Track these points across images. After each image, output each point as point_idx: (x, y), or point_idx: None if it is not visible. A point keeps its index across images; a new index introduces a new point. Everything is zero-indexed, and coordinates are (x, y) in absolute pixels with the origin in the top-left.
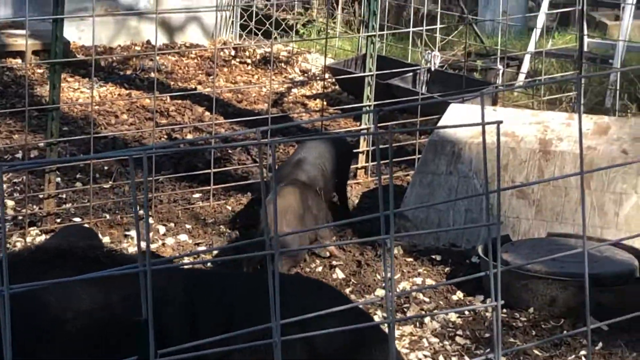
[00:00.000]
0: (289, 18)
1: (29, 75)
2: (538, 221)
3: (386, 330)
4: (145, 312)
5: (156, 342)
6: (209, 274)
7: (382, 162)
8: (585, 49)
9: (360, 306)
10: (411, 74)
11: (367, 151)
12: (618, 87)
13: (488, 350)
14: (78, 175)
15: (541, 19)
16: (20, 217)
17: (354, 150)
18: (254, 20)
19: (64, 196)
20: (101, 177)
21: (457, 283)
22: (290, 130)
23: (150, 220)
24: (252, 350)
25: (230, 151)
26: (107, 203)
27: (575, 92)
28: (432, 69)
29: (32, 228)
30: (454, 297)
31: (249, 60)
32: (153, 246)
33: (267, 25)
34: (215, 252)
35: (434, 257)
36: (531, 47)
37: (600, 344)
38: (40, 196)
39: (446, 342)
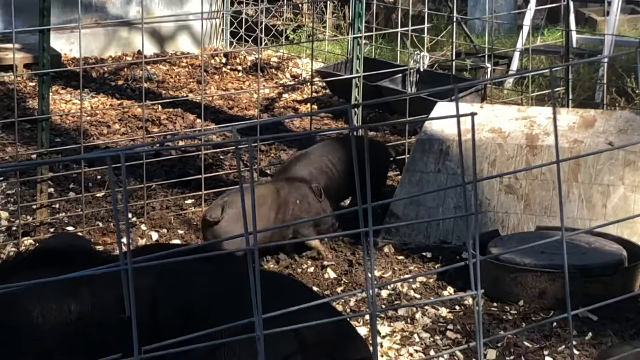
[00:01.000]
0: (278, 24)
1: (21, 89)
2: (527, 215)
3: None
4: (128, 310)
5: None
6: (177, 271)
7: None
8: (574, 44)
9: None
10: (400, 75)
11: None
12: (606, 81)
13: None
14: (71, 185)
15: (529, 17)
16: (14, 228)
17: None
18: (243, 27)
19: (57, 206)
20: (94, 186)
21: (449, 279)
22: (280, 133)
23: (143, 227)
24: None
25: (222, 157)
26: (100, 211)
27: (563, 87)
28: (421, 69)
29: (25, 238)
30: (445, 293)
31: (240, 67)
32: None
33: (257, 31)
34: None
35: (424, 254)
36: (519, 45)
37: (590, 334)
38: (34, 206)
39: (437, 337)
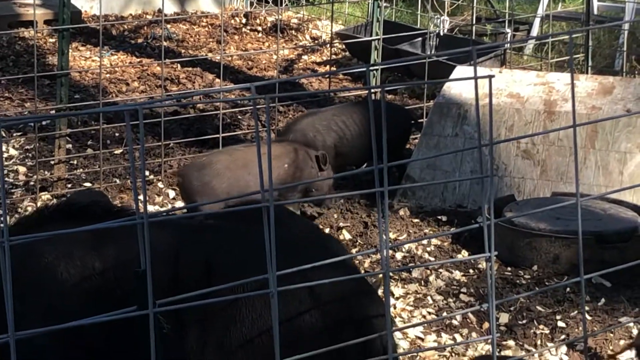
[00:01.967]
0: None
1: (41, 45)
2: (543, 181)
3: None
4: (143, 263)
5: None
6: (198, 228)
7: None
8: (595, 11)
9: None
10: (420, 39)
11: None
12: (626, 49)
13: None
14: (89, 142)
15: None
16: (31, 183)
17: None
18: None
19: (75, 162)
20: (112, 143)
21: (464, 243)
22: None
23: (160, 185)
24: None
25: (239, 117)
26: (117, 168)
27: (583, 54)
28: (441, 33)
29: (43, 193)
30: (459, 256)
31: (259, 28)
32: (163, 210)
33: None
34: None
35: (440, 217)
36: (540, 11)
37: (603, 300)
38: (52, 162)
39: (450, 299)
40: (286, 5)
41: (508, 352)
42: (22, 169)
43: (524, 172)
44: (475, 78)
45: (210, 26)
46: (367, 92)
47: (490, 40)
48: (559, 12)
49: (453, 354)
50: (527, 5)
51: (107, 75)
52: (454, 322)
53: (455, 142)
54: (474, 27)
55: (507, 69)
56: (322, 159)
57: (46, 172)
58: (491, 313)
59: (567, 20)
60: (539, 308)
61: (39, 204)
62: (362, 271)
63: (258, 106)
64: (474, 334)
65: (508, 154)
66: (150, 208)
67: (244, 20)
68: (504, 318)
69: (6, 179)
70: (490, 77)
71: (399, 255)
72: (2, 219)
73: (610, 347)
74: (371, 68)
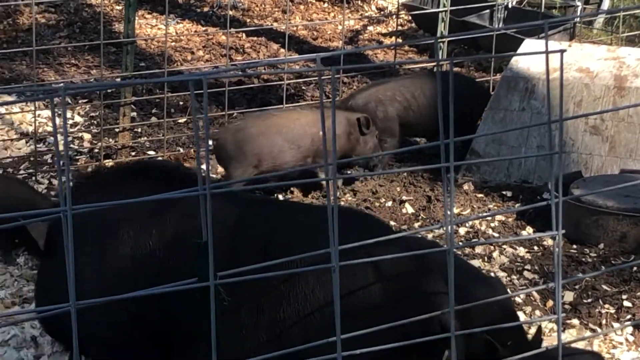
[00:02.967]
0: None
1: (107, 12)
2: (611, 158)
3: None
4: (205, 235)
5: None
6: (260, 202)
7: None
8: None
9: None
10: (488, 11)
11: None
12: None
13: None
14: (154, 110)
15: None
16: (96, 150)
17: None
18: None
19: (139, 130)
20: (176, 111)
21: (528, 219)
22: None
23: None
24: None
25: (303, 87)
26: (181, 137)
27: None
28: (510, 6)
29: (107, 160)
30: (524, 233)
31: None
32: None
33: None
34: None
35: (504, 193)
36: None
37: None
38: (116, 130)
39: (514, 277)
40: None
41: (572, 332)
42: (86, 136)
43: (591, 149)
44: (547, 52)
45: None
46: (434, 64)
47: (559, 14)
48: None
49: None
50: None
51: (173, 43)
52: (517, 299)
53: (522, 117)
54: (543, 0)
55: (577, 42)
56: (363, 122)
57: (110, 140)
58: (557, 292)
59: None
60: (604, 287)
61: None
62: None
63: (323, 77)
64: (537, 312)
65: (576, 129)
66: (214, 178)
67: None
68: (569, 296)
69: (71, 145)
70: (562, 51)
71: (462, 231)
72: (65, 185)
73: None
74: (439, 40)
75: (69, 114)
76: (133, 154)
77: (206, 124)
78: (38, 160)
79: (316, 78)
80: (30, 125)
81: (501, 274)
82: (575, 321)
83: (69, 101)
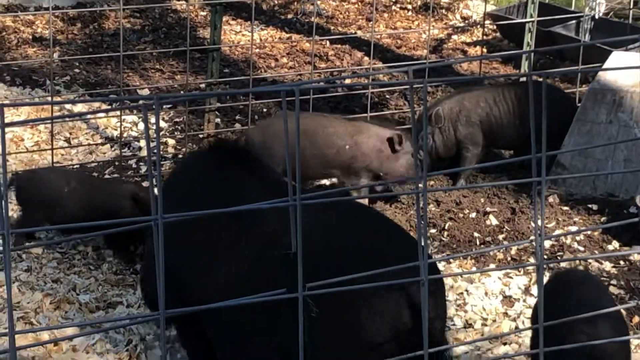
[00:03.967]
0: None
1: (192, 18)
2: None
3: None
4: (294, 246)
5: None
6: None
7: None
8: None
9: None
10: (574, 21)
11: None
12: None
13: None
14: (237, 117)
15: None
16: (180, 155)
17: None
18: None
19: (223, 136)
20: (260, 118)
21: (614, 233)
22: (449, 76)
23: None
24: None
25: (387, 96)
26: None
27: None
28: (597, 17)
29: None
30: (609, 247)
31: (409, 6)
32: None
33: None
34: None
35: (590, 206)
36: None
37: None
38: (200, 135)
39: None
40: None
41: None
42: (171, 142)
43: None
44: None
45: (359, 3)
46: (523, 76)
47: None
48: None
49: None
50: None
51: (257, 50)
52: None
53: (609, 130)
54: (631, 11)
55: None
56: (396, 140)
57: (194, 146)
58: None
59: None
60: None
61: None
62: (509, 260)
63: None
64: None
65: None
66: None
67: None
68: None
69: (155, 151)
70: None
71: (547, 244)
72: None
73: None
74: (528, 52)
75: (152, 120)
76: None
77: (297, 134)
78: (123, 165)
79: (401, 88)
80: (116, 129)
81: None
82: None
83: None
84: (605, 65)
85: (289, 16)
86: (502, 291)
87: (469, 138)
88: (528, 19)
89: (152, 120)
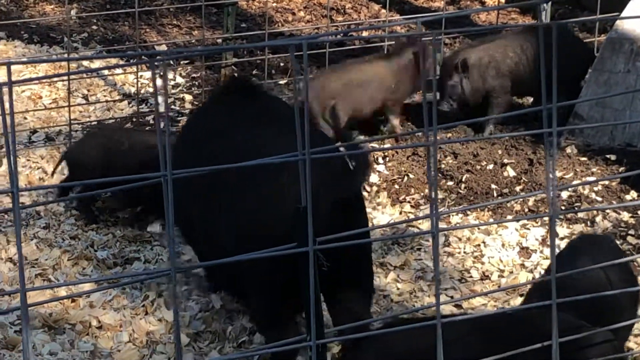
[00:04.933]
0: None
1: None
2: None
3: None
4: (304, 200)
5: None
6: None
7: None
8: None
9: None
10: None
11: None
12: None
13: None
14: (254, 71)
15: None
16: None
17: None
18: None
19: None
20: (277, 73)
21: (632, 183)
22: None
23: None
24: None
25: None
26: (281, 99)
27: None
28: None
29: None
30: (627, 197)
31: None
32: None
33: None
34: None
35: (608, 156)
36: None
37: None
38: None
39: (617, 242)
40: None
41: None
42: (188, 97)
43: None
44: None
45: None
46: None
47: None
48: None
49: None
50: None
51: (274, 4)
52: None
53: (627, 79)
54: None
55: None
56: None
57: None
58: None
59: None
60: None
61: None
62: (527, 210)
63: (424, 39)
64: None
65: None
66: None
67: None
68: None
69: (172, 106)
70: None
71: (564, 194)
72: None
73: None
74: (546, 0)
75: (170, 75)
76: None
77: (306, 87)
78: (140, 121)
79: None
80: (133, 86)
81: None
82: None
83: (171, 62)
84: (623, 14)
85: None
86: (519, 242)
87: (499, 88)
88: None
89: (170, 76)
